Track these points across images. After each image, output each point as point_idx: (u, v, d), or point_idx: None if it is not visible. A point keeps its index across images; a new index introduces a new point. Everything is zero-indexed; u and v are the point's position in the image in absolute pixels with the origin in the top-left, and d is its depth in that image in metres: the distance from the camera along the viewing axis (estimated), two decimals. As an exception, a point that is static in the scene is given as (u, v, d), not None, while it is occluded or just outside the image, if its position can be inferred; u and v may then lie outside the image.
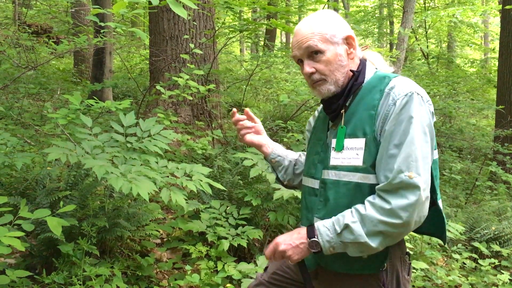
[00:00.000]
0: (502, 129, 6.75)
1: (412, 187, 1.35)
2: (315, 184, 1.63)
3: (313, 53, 1.53)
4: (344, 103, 1.55)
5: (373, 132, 1.45)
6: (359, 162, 1.47)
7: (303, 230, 1.50)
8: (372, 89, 1.52)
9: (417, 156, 1.37)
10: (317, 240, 1.44)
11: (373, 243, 1.38)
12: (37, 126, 5.07)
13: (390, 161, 1.39)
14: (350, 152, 1.50)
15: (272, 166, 1.90)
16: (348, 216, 1.42)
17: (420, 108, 1.40)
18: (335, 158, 1.54)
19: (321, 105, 1.77)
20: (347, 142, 1.51)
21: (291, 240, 1.49)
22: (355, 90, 1.55)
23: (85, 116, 2.85)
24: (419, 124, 1.39)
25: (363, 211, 1.40)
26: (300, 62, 1.59)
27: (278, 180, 1.94)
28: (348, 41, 1.55)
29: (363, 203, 1.44)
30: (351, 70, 1.56)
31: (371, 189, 1.46)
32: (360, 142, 1.48)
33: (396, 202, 1.35)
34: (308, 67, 1.54)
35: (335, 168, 1.53)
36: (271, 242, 1.55)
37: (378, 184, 1.43)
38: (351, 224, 1.40)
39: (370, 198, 1.43)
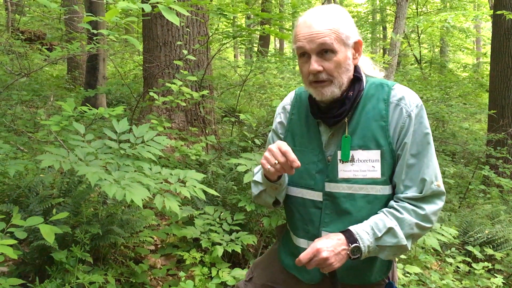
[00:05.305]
0: (494, 133, 6.79)
1: (441, 194, 1.47)
2: (315, 196, 1.54)
3: (324, 51, 1.41)
4: (349, 110, 1.48)
5: (388, 144, 1.45)
6: (376, 174, 1.46)
7: (340, 236, 1.40)
8: (371, 98, 1.49)
9: (437, 166, 1.48)
10: (358, 245, 1.38)
11: (409, 245, 1.43)
12: (30, 133, 5.05)
13: (409, 171, 1.45)
14: (364, 165, 1.46)
15: (278, 190, 1.60)
16: (388, 220, 1.42)
17: (427, 119, 1.47)
18: (345, 171, 1.48)
19: (289, 105, 1.67)
20: (358, 153, 1.47)
21: (333, 247, 1.37)
22: (359, 97, 1.50)
23: (78, 123, 2.85)
24: (431, 134, 1.47)
25: (399, 215, 1.43)
26: (303, 55, 1.45)
27: (276, 204, 1.67)
28: (356, 46, 1.48)
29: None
30: (354, 74, 1.49)
31: (387, 200, 1.49)
32: (375, 154, 1.46)
33: (429, 208, 1.44)
34: (317, 65, 1.41)
35: (347, 181, 1.48)
36: (312, 247, 1.38)
37: (391, 193, 1.49)
38: (395, 227, 1.41)
39: (395, 204, 1.45)
